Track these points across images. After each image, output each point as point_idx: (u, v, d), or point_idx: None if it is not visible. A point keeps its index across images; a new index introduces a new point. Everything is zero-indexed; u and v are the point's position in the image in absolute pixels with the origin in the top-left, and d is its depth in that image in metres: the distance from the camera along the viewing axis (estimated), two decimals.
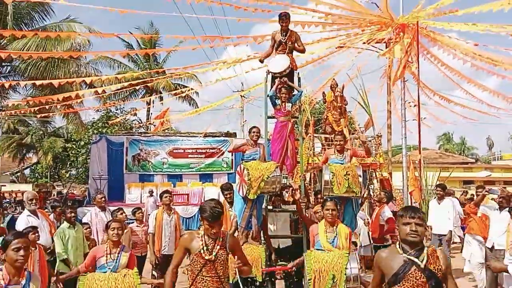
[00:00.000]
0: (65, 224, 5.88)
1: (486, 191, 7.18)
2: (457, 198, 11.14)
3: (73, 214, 5.95)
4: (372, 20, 12.66)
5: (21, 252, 3.04)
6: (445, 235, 8.01)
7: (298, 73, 6.98)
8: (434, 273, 2.77)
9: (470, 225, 7.50)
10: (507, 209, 6.26)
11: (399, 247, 2.85)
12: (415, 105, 12.48)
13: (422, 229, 2.84)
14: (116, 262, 4.23)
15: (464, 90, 16.42)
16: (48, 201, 20.61)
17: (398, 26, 12.45)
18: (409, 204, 10.56)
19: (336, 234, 4.54)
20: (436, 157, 31.95)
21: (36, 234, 5.02)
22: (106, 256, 4.25)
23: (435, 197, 8.55)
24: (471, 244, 7.39)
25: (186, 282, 3.46)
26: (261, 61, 7.33)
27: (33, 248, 4.93)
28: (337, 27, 13.07)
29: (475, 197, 8.29)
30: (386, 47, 13.31)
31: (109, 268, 4.16)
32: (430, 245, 2.97)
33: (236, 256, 3.53)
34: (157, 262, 6.48)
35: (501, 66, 12.62)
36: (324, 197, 5.59)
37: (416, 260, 2.78)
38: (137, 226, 6.96)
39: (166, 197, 6.74)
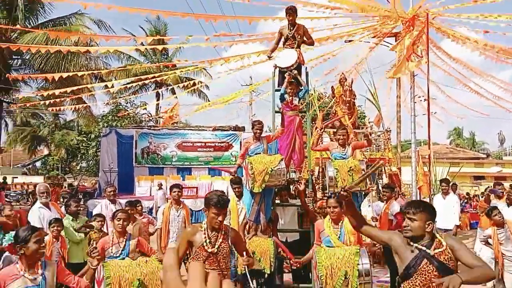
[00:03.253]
0: (68, 217, 5.94)
1: (488, 193, 7.16)
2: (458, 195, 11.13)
3: (77, 208, 5.96)
4: (381, 14, 12.55)
5: (42, 244, 3.19)
6: (450, 229, 8.01)
7: (306, 67, 6.98)
8: (446, 264, 2.75)
9: (483, 220, 7.50)
10: None
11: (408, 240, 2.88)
12: (425, 99, 12.39)
13: (416, 224, 2.80)
14: (124, 250, 4.34)
15: (475, 84, 16.25)
16: (60, 194, 20.91)
17: (408, 19, 12.33)
18: (417, 199, 10.54)
19: (342, 230, 4.51)
20: (446, 152, 31.72)
21: (60, 228, 5.14)
22: (114, 246, 4.35)
23: (439, 192, 8.55)
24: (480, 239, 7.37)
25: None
26: (269, 57, 7.32)
27: (54, 240, 5.07)
28: (346, 20, 13.00)
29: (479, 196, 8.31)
30: (396, 41, 13.21)
31: (117, 257, 4.24)
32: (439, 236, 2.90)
33: (239, 250, 3.61)
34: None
35: None
36: (329, 193, 5.61)
37: (423, 248, 2.79)
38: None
39: (175, 191, 6.53)
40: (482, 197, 10.11)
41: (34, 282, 3.13)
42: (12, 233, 4.56)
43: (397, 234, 3.03)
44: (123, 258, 4.17)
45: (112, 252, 4.32)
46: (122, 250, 4.33)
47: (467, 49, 13.31)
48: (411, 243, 2.84)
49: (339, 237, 4.49)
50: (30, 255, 3.15)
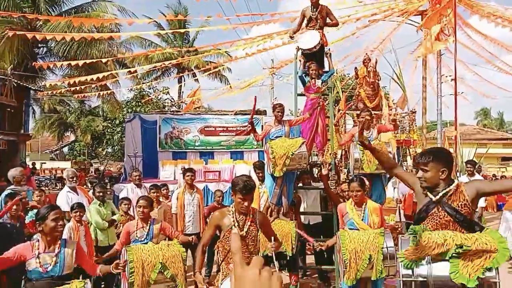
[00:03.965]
0: (95, 202, 6.05)
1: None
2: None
3: (101, 194, 6.05)
4: None
5: (60, 222, 3.29)
6: (476, 211, 7.85)
7: (329, 49, 6.86)
8: (457, 209, 2.76)
9: (509, 201, 7.33)
10: None
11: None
12: (452, 79, 12.05)
13: (428, 174, 2.81)
14: (149, 234, 4.49)
15: (504, 63, 15.69)
16: (87, 178, 21.43)
17: None
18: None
19: (365, 212, 4.47)
20: (474, 133, 30.96)
21: (82, 213, 5.26)
22: (138, 230, 4.50)
23: (465, 173, 8.37)
24: (508, 221, 7.22)
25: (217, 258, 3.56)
26: (292, 37, 7.22)
27: (79, 225, 5.19)
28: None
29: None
30: (422, 20, 12.82)
31: (142, 241, 4.36)
32: (459, 181, 2.91)
33: (266, 233, 3.63)
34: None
35: None
36: (353, 175, 5.56)
37: (432, 196, 2.83)
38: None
39: (188, 175, 6.46)
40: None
41: (52, 259, 3.24)
42: (35, 211, 4.70)
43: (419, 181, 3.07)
44: (146, 242, 4.26)
45: (137, 236, 4.47)
46: (146, 235, 4.49)
47: (497, 26, 12.84)
48: (425, 192, 2.89)
49: (362, 218, 4.47)
50: (48, 232, 3.27)
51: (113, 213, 6.02)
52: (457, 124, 10.90)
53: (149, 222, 4.59)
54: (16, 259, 3.20)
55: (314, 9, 6.56)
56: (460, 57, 15.04)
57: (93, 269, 3.68)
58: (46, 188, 19.52)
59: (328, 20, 6.65)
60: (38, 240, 3.36)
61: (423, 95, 13.95)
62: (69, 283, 3.22)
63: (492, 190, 2.89)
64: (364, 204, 4.53)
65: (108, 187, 18.54)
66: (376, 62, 11.65)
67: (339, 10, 12.43)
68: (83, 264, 3.61)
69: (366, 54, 12.37)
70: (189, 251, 5.61)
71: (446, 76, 14.26)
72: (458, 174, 10.49)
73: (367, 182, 5.09)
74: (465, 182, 2.91)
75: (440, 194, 2.80)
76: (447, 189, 2.81)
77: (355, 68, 12.41)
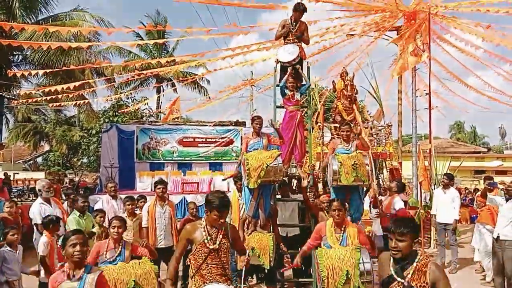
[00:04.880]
0: (75, 213, 5.94)
1: (486, 185, 7.14)
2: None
3: (85, 204, 5.96)
4: (382, 8, 12.50)
5: (77, 247, 3.18)
6: (450, 224, 8.02)
7: (308, 62, 6.96)
8: None
9: (481, 215, 7.50)
10: None
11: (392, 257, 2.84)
12: (427, 94, 12.34)
13: (405, 244, 2.75)
14: (119, 256, 4.34)
15: (477, 77, 16.23)
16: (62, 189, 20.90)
17: (409, 14, 12.29)
18: (419, 194, 10.54)
19: (344, 235, 4.47)
20: (447, 146, 31.68)
21: (57, 229, 5.14)
22: (109, 251, 4.35)
23: (440, 186, 8.56)
24: (481, 234, 7.39)
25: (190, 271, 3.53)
26: (276, 38, 7.19)
27: (53, 238, 5.07)
28: (347, 14, 12.96)
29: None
30: (397, 35, 13.15)
31: (112, 262, 4.23)
32: (425, 257, 2.81)
33: (237, 246, 3.70)
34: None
35: None
36: (331, 187, 5.60)
37: (396, 277, 2.77)
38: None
39: (159, 188, 6.26)
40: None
41: (75, 285, 3.15)
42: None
43: (381, 257, 3.02)
44: (116, 263, 4.15)
45: (106, 257, 4.31)
46: (117, 256, 4.33)
47: (471, 36, 13.28)
48: (392, 264, 2.82)
49: (340, 242, 4.46)
50: (68, 257, 3.21)
51: (93, 226, 5.91)
52: (431, 137, 11.16)
53: (120, 243, 4.44)
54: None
55: (294, 24, 6.67)
56: (435, 72, 15.45)
57: None
58: (19, 199, 18.96)
59: (303, 36, 6.78)
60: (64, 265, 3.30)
61: (398, 109, 14.24)
62: None
63: None
64: (344, 226, 4.53)
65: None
66: (353, 76, 11.86)
67: (316, 24, 12.63)
68: None
69: (344, 68, 12.57)
70: (163, 264, 5.52)
71: (424, 90, 14.60)
72: (433, 186, 10.71)
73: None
74: (434, 267, 2.76)
75: (409, 276, 2.73)
76: (414, 266, 2.75)
77: (333, 81, 12.58)
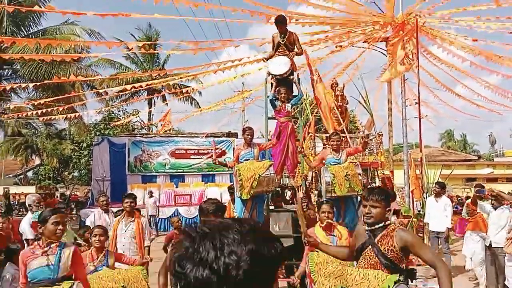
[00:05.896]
0: None
1: (475, 192, 7.20)
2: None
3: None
4: (371, 19, 12.69)
5: (60, 226, 3.35)
6: (442, 232, 8.06)
7: (298, 73, 7.03)
8: (383, 252, 2.81)
9: (472, 223, 7.54)
10: (508, 206, 6.29)
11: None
12: (416, 103, 12.50)
13: (377, 211, 2.86)
14: (104, 265, 4.27)
15: (465, 86, 16.45)
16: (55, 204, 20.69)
17: (397, 25, 12.47)
18: (411, 202, 10.59)
19: (334, 238, 4.47)
20: (438, 154, 31.93)
21: None
22: (93, 261, 4.28)
23: (432, 194, 8.60)
24: (472, 241, 7.43)
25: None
26: (264, 60, 7.32)
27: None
28: (335, 27, 13.11)
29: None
30: (386, 46, 13.34)
31: (97, 271, 4.16)
32: (394, 224, 2.98)
33: None
34: None
35: (501, 63, 12.65)
36: (325, 199, 5.61)
37: (371, 235, 2.89)
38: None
39: (126, 202, 5.62)
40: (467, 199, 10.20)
41: (49, 261, 3.29)
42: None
43: (357, 229, 3.14)
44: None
45: (91, 268, 4.22)
46: (100, 267, 4.25)
47: (457, 49, 13.52)
48: (366, 227, 2.94)
49: (330, 243, 4.45)
50: (48, 235, 3.32)
51: (75, 239, 5.82)
52: (422, 146, 11.25)
53: (103, 252, 4.38)
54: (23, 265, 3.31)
55: (283, 36, 6.74)
56: (424, 81, 15.64)
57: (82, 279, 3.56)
58: (9, 214, 18.70)
59: (295, 48, 6.85)
60: (39, 241, 3.41)
61: (389, 119, 14.38)
62: (60, 285, 3.26)
63: (416, 254, 2.83)
64: (333, 228, 4.54)
65: (74, 212, 17.92)
66: (343, 87, 12.00)
67: (305, 36, 12.76)
68: (76, 270, 3.50)
69: (334, 79, 12.72)
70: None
71: (414, 99, 14.77)
72: (425, 195, 10.77)
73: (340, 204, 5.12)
74: (402, 231, 2.89)
75: (376, 226, 2.87)
76: (382, 225, 2.88)
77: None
